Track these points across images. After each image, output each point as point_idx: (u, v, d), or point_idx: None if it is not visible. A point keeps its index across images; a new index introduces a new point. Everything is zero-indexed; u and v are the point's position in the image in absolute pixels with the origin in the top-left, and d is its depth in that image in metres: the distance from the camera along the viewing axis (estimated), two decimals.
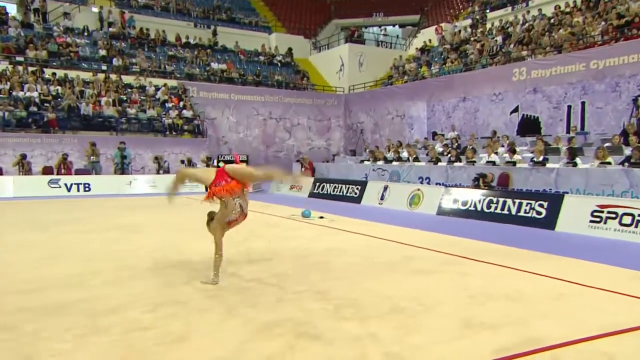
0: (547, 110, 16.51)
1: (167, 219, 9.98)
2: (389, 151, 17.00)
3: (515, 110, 17.56)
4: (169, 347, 3.33)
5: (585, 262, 6.09)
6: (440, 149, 15.89)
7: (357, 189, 13.74)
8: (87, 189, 15.98)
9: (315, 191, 15.46)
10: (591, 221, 8.39)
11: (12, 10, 24.26)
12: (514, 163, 11.87)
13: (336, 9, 35.11)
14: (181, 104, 21.43)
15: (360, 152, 20.79)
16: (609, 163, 10.27)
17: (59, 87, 19.54)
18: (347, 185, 14.20)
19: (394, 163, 15.17)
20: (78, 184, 15.96)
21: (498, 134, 16.29)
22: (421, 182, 13.34)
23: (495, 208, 10.03)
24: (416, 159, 14.92)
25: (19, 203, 13.23)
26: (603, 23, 16.14)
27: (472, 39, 22.55)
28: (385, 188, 12.83)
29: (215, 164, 17.87)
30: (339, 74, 28.07)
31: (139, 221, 9.65)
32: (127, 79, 21.67)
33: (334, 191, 14.61)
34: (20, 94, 18.23)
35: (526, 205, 9.48)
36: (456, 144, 16.30)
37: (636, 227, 7.83)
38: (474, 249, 6.90)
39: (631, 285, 4.99)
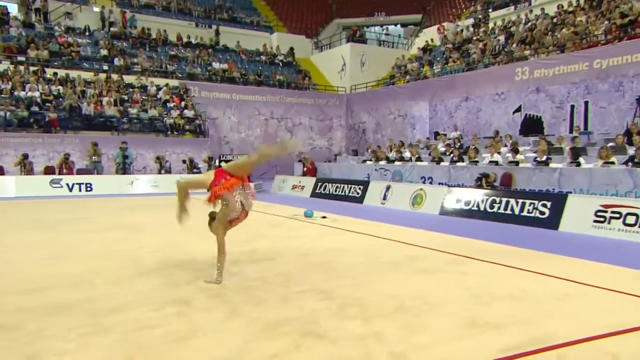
0: (550, 110, 16.47)
1: (170, 219, 9.75)
2: (391, 151, 16.96)
3: (518, 109, 17.53)
4: (174, 346, 3.33)
5: (589, 262, 6.05)
6: (443, 149, 15.86)
7: (360, 188, 13.70)
8: (88, 188, 15.95)
9: (317, 191, 15.43)
10: (595, 221, 8.33)
11: (14, 10, 24.26)
12: (517, 163, 11.83)
13: (338, 8, 35.11)
14: (183, 103, 21.42)
15: (363, 152, 20.75)
16: (613, 163, 10.24)
17: (60, 87, 19.55)
18: (350, 185, 14.16)
19: (397, 163, 15.14)
20: (80, 184, 15.93)
21: (501, 133, 16.26)
22: (424, 182, 13.31)
23: (498, 208, 9.98)
24: (418, 159, 14.88)
25: (21, 203, 13.21)
26: (606, 22, 16.10)
27: (474, 38, 22.51)
28: (388, 188, 12.79)
29: (217, 163, 17.84)
30: (340, 74, 28.06)
31: (141, 221, 9.62)
32: (129, 78, 21.68)
33: (336, 191, 14.56)
34: (22, 93, 18.24)
35: (529, 205, 9.42)
36: (458, 144, 16.27)
37: None
38: (478, 248, 6.86)
39: (636, 285, 4.95)
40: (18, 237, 7.75)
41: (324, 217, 10.13)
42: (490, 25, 23.21)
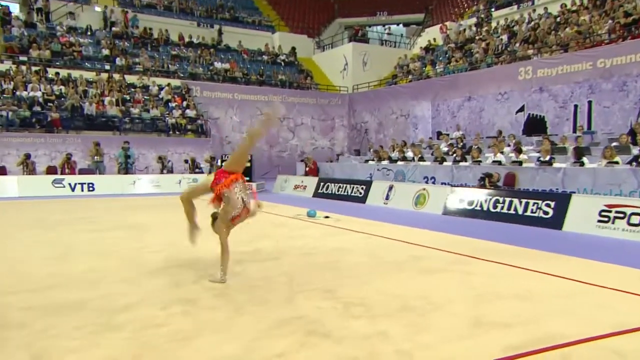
0: (553, 110, 16.43)
1: (173, 219, 9.86)
2: (393, 151, 16.92)
3: (521, 109, 17.48)
4: (181, 344, 3.34)
5: (594, 262, 6.03)
6: (445, 149, 15.82)
7: (362, 188, 13.67)
8: (91, 188, 15.95)
9: (320, 191, 15.40)
10: (599, 221, 8.29)
11: (15, 9, 24.28)
12: (520, 163, 11.78)
13: (340, 8, 35.07)
14: (184, 103, 21.40)
15: (365, 152, 20.72)
16: (617, 162, 10.20)
17: (62, 87, 19.55)
18: (352, 185, 14.12)
19: (399, 163, 15.10)
20: (82, 184, 15.93)
21: (504, 133, 16.21)
22: (426, 182, 13.27)
23: (502, 208, 9.95)
24: (421, 159, 14.85)
25: (24, 203, 13.22)
26: (610, 21, 16.03)
27: (477, 37, 22.47)
28: (391, 188, 12.75)
29: (219, 163, 17.83)
30: (342, 73, 28.02)
31: (144, 221, 9.63)
32: (131, 78, 21.68)
33: (338, 191, 14.53)
34: (24, 93, 18.24)
35: (533, 205, 9.38)
36: (461, 144, 16.22)
37: None
38: (481, 248, 6.84)
39: None
40: (21, 236, 7.75)
41: (326, 217, 10.12)
42: (493, 24, 23.15)
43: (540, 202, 9.30)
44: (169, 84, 22.03)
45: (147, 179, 17.34)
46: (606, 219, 8.21)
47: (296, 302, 4.27)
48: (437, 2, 31.54)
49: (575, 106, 15.76)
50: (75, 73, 20.59)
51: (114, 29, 24.64)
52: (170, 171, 18.39)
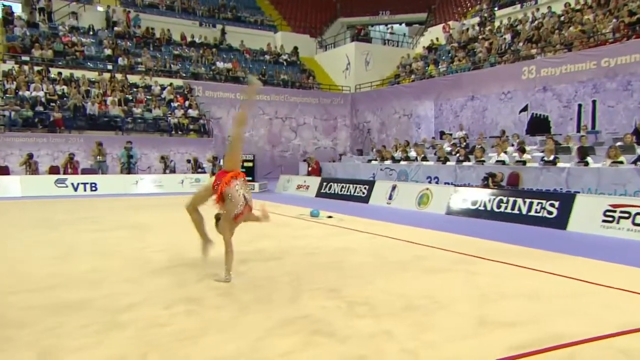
0: (557, 109, 16.37)
1: (176, 219, 9.87)
2: (396, 150, 16.88)
3: (525, 109, 17.42)
4: (187, 343, 3.35)
5: (599, 262, 6.00)
6: (449, 149, 15.78)
7: (365, 188, 13.63)
8: (93, 188, 15.95)
9: (322, 191, 15.36)
10: (604, 221, 8.25)
11: (18, 9, 24.29)
12: (524, 162, 11.74)
13: (342, 7, 35.01)
14: (187, 103, 21.39)
15: (367, 152, 20.68)
16: (621, 162, 10.15)
17: (64, 87, 19.55)
18: (355, 185, 14.08)
19: (402, 162, 15.06)
20: (85, 184, 15.94)
21: (507, 133, 16.15)
22: (429, 182, 13.23)
23: (506, 208, 9.90)
24: (424, 159, 14.81)
25: (27, 202, 13.22)
26: (614, 20, 15.97)
27: (480, 37, 22.41)
28: (394, 188, 12.71)
29: (221, 163, 17.80)
30: (345, 73, 27.98)
31: (147, 220, 9.64)
32: (133, 78, 21.68)
33: (341, 191, 14.50)
34: (27, 93, 18.25)
35: (537, 205, 9.34)
36: (464, 144, 16.17)
37: None
38: (485, 248, 6.82)
39: None
40: (24, 236, 7.75)
41: (329, 217, 10.09)
42: (497, 23, 23.09)
43: (544, 202, 9.25)
44: (171, 84, 22.03)
45: (150, 178, 17.34)
46: (611, 219, 8.16)
47: (300, 302, 4.27)
48: (440, 1, 31.49)
49: (579, 106, 15.69)
50: (78, 73, 20.59)
51: (116, 28, 24.64)
52: (173, 171, 18.39)
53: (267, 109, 24.47)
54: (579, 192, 9.49)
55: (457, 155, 14.11)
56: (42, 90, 18.64)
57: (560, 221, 8.80)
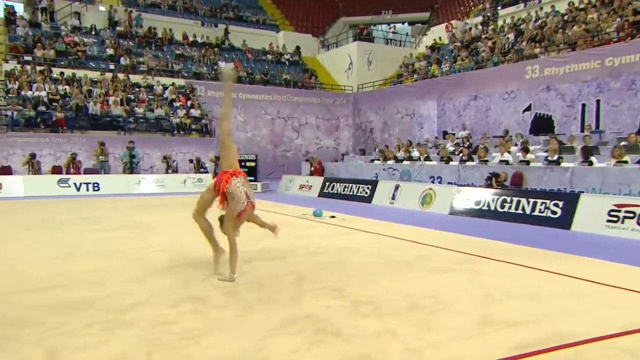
0: (560, 109, 16.31)
1: (179, 218, 9.94)
2: (399, 150, 16.83)
3: (528, 108, 17.36)
4: (192, 342, 3.36)
5: (605, 262, 5.97)
6: (452, 148, 15.73)
7: (368, 188, 13.59)
8: (96, 188, 15.95)
9: (325, 191, 15.33)
10: (608, 221, 8.20)
11: (20, 9, 24.30)
12: (528, 162, 11.69)
13: (344, 6, 34.96)
14: (189, 103, 21.38)
15: (370, 152, 20.64)
16: (626, 162, 10.10)
17: (67, 87, 19.56)
18: (358, 185, 14.04)
19: (405, 162, 15.01)
20: (87, 184, 15.94)
21: (510, 132, 16.10)
22: (432, 182, 13.18)
23: (509, 207, 9.85)
24: (427, 158, 14.77)
25: (30, 202, 13.23)
26: (618, 19, 15.90)
27: (483, 36, 22.34)
28: (397, 187, 12.67)
29: None
30: (347, 73, 27.93)
31: (150, 220, 9.64)
32: (135, 78, 21.67)
33: (344, 191, 14.46)
34: (29, 93, 18.25)
35: (541, 205, 9.29)
36: (467, 143, 16.12)
37: None
38: (489, 248, 6.80)
39: None
40: (27, 236, 7.76)
41: (332, 217, 10.07)
42: (500, 23, 23.02)
43: (548, 201, 9.20)
44: (173, 84, 22.01)
45: (152, 178, 17.33)
46: (615, 219, 8.11)
47: (305, 301, 4.28)
48: (443, 0, 31.42)
49: (583, 105, 15.63)
50: (80, 73, 20.60)
51: (118, 28, 24.63)
52: (175, 171, 18.37)
53: (270, 109, 24.44)
54: (583, 192, 9.43)
55: (460, 155, 14.07)
56: (45, 90, 18.64)
57: (565, 221, 8.75)
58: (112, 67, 21.92)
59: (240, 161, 17.11)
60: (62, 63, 21.04)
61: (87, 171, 16.75)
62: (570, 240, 7.63)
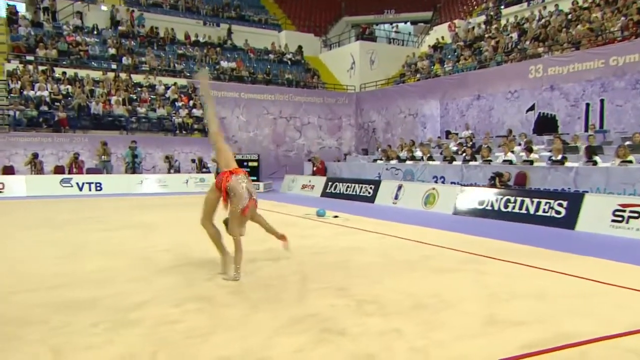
0: (564, 108, 16.25)
1: (181, 218, 10.00)
2: (402, 150, 16.78)
3: (532, 108, 17.29)
4: (198, 340, 3.36)
5: (610, 262, 5.94)
6: (455, 148, 15.67)
7: (371, 188, 13.55)
8: (98, 188, 15.95)
9: (328, 190, 15.29)
10: (613, 220, 8.14)
11: (22, 9, 24.30)
12: (531, 162, 11.64)
13: (346, 6, 34.93)
14: (191, 102, 21.36)
15: (373, 151, 20.59)
16: (630, 162, 10.04)
17: (69, 86, 19.56)
18: (361, 185, 14.00)
19: (408, 162, 14.96)
20: (89, 183, 15.94)
21: (514, 132, 16.04)
22: (436, 182, 13.13)
23: (513, 207, 9.81)
24: (430, 158, 14.72)
25: (32, 202, 13.24)
26: (623, 18, 15.83)
27: (486, 35, 22.29)
28: (400, 187, 12.62)
29: None
30: (350, 72, 27.89)
31: (153, 220, 9.65)
32: (137, 77, 21.67)
33: (347, 190, 14.42)
34: (31, 93, 18.25)
35: (545, 205, 9.24)
36: (470, 143, 16.06)
37: None
38: (493, 248, 6.78)
39: None
40: (30, 236, 7.77)
41: (335, 217, 10.05)
42: (503, 22, 22.95)
43: (552, 201, 9.15)
44: (175, 83, 22.00)
45: (154, 178, 17.32)
46: (620, 219, 8.06)
47: (309, 300, 4.29)
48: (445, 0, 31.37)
49: (587, 105, 15.57)
50: (82, 72, 20.59)
51: (120, 28, 24.62)
52: (177, 171, 18.36)
53: (272, 109, 24.41)
54: (587, 192, 9.38)
55: (464, 154, 14.02)
56: (47, 89, 18.64)
57: (569, 221, 8.70)
58: (114, 66, 21.92)
59: (242, 161, 17.31)
60: (64, 63, 21.04)
61: (90, 171, 16.75)
62: (574, 240, 7.60)
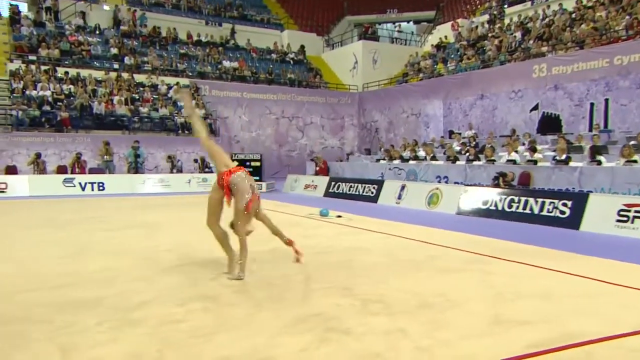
0: (568, 108, 16.18)
1: (184, 218, 10.00)
2: (405, 150, 16.73)
3: (535, 108, 17.22)
4: (203, 340, 3.36)
5: (615, 262, 5.93)
6: (458, 148, 15.62)
7: (374, 188, 13.51)
8: (101, 188, 15.95)
9: (331, 190, 15.27)
10: (618, 220, 8.11)
11: (24, 9, 24.32)
12: (535, 162, 11.60)
13: (349, 5, 34.84)
14: (193, 102, 21.29)
15: (376, 151, 20.54)
16: (635, 161, 10.00)
17: (71, 86, 19.55)
18: (364, 185, 13.98)
19: (411, 162, 14.92)
20: (92, 183, 15.95)
21: (517, 132, 15.97)
22: (439, 181, 13.09)
23: (517, 207, 9.78)
24: (433, 158, 14.67)
25: (35, 202, 13.25)
26: (627, 17, 15.75)
27: (489, 34, 22.20)
28: (403, 187, 12.59)
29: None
30: (352, 72, 27.83)
31: (156, 219, 9.66)
32: (139, 77, 21.64)
33: (350, 190, 14.39)
34: (34, 93, 18.25)
35: (549, 205, 9.21)
36: (474, 143, 16.01)
37: None
38: (498, 248, 6.77)
39: None
40: (33, 235, 7.77)
41: (339, 217, 10.03)
42: (506, 21, 22.85)
43: (556, 201, 9.12)
44: (177, 83, 21.97)
45: (157, 178, 17.31)
46: (625, 219, 8.03)
47: (314, 300, 4.30)
48: None
49: (592, 104, 15.49)
50: (84, 72, 20.58)
51: (122, 27, 24.60)
52: (180, 170, 18.35)
53: (274, 108, 24.37)
54: (592, 192, 9.33)
55: (467, 154, 13.97)
56: (49, 89, 18.64)
57: (573, 221, 8.67)
58: (116, 66, 21.90)
59: (245, 161, 17.30)
60: (67, 62, 21.04)
61: (92, 171, 16.76)
62: (579, 241, 7.59)
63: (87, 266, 5.55)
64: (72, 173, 16.20)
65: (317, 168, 17.85)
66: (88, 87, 19.62)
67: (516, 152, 12.72)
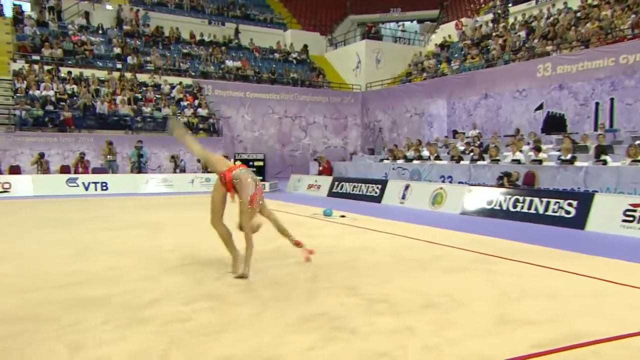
0: (573, 108, 16.10)
1: (188, 217, 10.01)
2: (408, 150, 16.68)
3: (540, 107, 17.15)
4: (209, 338, 3.37)
5: (621, 262, 5.90)
6: (462, 148, 15.56)
7: (378, 188, 13.47)
8: (104, 187, 15.95)
9: (334, 190, 15.23)
10: (623, 220, 8.05)
11: (27, 8, 24.37)
12: (540, 161, 11.54)
13: (352, 4, 34.82)
14: (196, 102, 21.33)
15: (379, 151, 20.50)
16: None
17: (74, 86, 19.57)
18: (367, 185, 13.93)
19: (415, 162, 14.87)
20: (95, 183, 15.94)
21: (522, 132, 15.91)
22: (443, 181, 13.04)
23: (522, 207, 9.72)
24: (437, 158, 14.62)
25: (39, 202, 13.26)
26: (633, 16, 15.69)
27: (493, 34, 22.15)
28: (407, 187, 12.54)
29: (233, 162, 17.70)
30: (355, 71, 27.80)
31: (160, 219, 9.66)
32: (142, 77, 21.66)
33: (353, 190, 14.35)
34: (37, 92, 18.28)
35: (554, 205, 9.15)
36: (478, 142, 15.95)
37: None
38: (503, 248, 6.75)
39: None
40: (38, 235, 7.78)
41: (342, 217, 10.00)
42: (510, 20, 22.80)
43: (562, 201, 9.06)
44: (180, 83, 21.98)
45: (160, 178, 17.31)
46: (631, 219, 7.97)
47: (320, 299, 4.30)
48: None
49: (597, 104, 15.42)
50: (87, 72, 20.60)
51: (125, 27, 24.62)
52: (183, 170, 18.34)
53: (277, 108, 24.36)
54: (597, 192, 9.28)
55: (471, 154, 13.91)
56: (52, 89, 18.66)
57: (579, 221, 8.61)
58: (119, 66, 21.93)
59: (248, 160, 17.27)
60: (70, 62, 21.06)
61: (95, 170, 16.76)
62: (585, 240, 7.56)
63: (93, 265, 5.56)
64: (75, 173, 16.20)
65: (321, 168, 17.82)
66: (91, 87, 19.63)
67: (521, 151, 12.66)
